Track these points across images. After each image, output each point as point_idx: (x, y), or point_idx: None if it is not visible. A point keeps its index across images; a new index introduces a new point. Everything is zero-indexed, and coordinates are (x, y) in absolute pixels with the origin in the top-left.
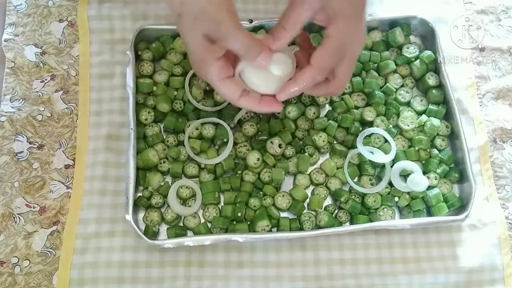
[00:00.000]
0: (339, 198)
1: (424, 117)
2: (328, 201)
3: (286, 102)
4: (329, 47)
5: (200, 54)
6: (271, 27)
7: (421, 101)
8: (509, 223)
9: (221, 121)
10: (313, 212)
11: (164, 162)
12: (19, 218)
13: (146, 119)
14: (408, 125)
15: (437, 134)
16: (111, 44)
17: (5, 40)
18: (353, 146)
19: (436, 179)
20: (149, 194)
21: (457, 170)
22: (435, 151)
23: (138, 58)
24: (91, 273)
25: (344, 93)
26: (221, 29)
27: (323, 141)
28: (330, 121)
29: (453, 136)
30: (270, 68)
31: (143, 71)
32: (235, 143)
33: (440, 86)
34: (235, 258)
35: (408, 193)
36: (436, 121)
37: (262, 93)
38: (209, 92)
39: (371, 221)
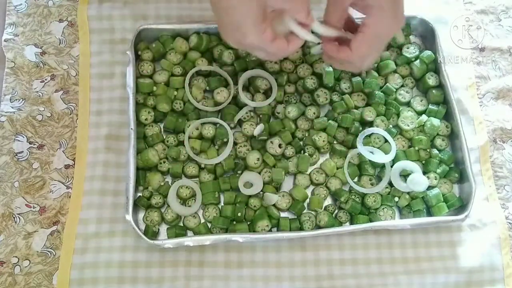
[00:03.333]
0: (339, 198)
1: (424, 117)
2: (328, 201)
3: (287, 102)
4: (366, 36)
5: (254, 18)
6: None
7: (421, 101)
8: (509, 223)
9: (221, 121)
10: (313, 212)
11: (164, 162)
12: (19, 218)
13: (146, 119)
14: (408, 125)
15: (437, 134)
16: (111, 44)
17: (5, 40)
18: (353, 146)
19: (436, 179)
20: (149, 194)
21: (457, 170)
22: (435, 151)
23: (138, 58)
24: (91, 273)
25: (344, 93)
26: None
27: (323, 141)
28: (330, 121)
29: (453, 136)
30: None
31: (143, 71)
32: (235, 143)
33: (440, 86)
34: (235, 258)
35: (408, 193)
36: (436, 121)
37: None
38: (209, 92)
39: (371, 221)
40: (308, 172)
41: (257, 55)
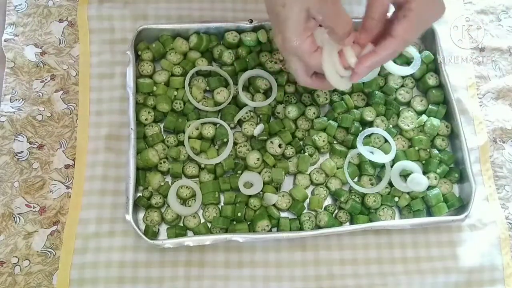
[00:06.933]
0: (339, 198)
1: (424, 117)
2: (328, 201)
3: (286, 102)
4: (412, 20)
5: (299, 28)
6: (271, 27)
7: (421, 101)
8: (509, 223)
9: (221, 121)
10: (313, 212)
11: (164, 162)
12: (19, 218)
13: (146, 119)
14: (408, 125)
15: (437, 134)
16: (111, 44)
17: (5, 40)
18: (353, 146)
19: (436, 179)
20: (149, 194)
21: (457, 170)
22: (435, 151)
23: (138, 58)
24: (91, 273)
25: (344, 93)
26: (327, 5)
27: (323, 141)
28: (330, 121)
29: (453, 136)
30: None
31: (143, 71)
32: (235, 143)
33: (440, 86)
34: (235, 258)
35: (408, 193)
36: (436, 121)
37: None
38: (209, 92)
39: (371, 221)
40: (308, 172)
41: (293, 69)
